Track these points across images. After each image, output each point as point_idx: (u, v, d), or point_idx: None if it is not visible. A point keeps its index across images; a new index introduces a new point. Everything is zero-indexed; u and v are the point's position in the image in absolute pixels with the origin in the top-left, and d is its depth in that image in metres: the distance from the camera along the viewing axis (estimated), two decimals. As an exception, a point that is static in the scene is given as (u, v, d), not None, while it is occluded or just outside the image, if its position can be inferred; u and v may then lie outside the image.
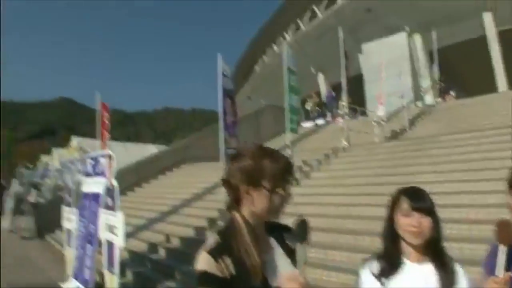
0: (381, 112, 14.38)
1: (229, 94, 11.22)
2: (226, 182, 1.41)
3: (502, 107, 11.88)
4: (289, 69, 12.93)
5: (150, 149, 28.63)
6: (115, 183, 5.74)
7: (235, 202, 1.39)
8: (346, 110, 14.37)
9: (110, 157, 6.25)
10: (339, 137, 13.48)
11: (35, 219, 15.76)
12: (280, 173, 1.36)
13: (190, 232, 9.26)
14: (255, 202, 1.34)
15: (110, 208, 5.66)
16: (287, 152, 11.20)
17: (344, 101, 14.38)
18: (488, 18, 20.00)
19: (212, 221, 9.37)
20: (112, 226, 5.50)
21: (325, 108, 21.53)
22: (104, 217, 5.74)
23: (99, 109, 13.23)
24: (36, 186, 19.97)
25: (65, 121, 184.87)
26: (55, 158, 42.38)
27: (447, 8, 18.81)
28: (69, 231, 8.54)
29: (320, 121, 20.21)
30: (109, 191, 5.82)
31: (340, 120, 15.62)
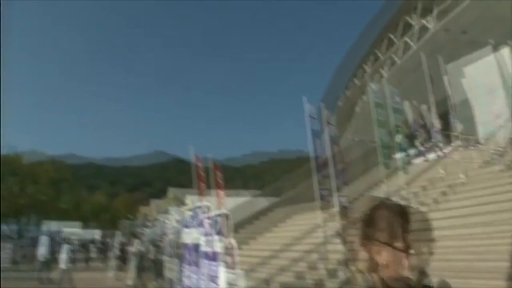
0: (498, 137, 13.05)
1: (333, 140, 10.98)
2: (360, 243, 1.41)
3: None
4: (376, 103, 12.59)
5: (243, 196, 28.64)
6: (233, 242, 6.00)
7: (369, 262, 1.38)
8: (459, 141, 13.22)
9: (227, 216, 6.50)
10: (455, 171, 12.29)
11: (155, 275, 16.26)
12: (409, 231, 1.35)
13: (308, 284, 9.06)
14: (388, 262, 1.33)
15: (230, 266, 5.87)
16: (383, 189, 10.61)
17: (457, 131, 13.32)
18: None
19: (330, 273, 9.10)
20: (233, 284, 5.68)
21: (414, 138, 20.14)
22: (225, 275, 5.95)
23: (194, 162, 13.91)
24: (155, 244, 20.89)
25: (160, 173, 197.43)
26: (153, 209, 44.63)
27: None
28: (170, 280, 8.94)
29: (430, 155, 18.85)
30: (228, 249, 6.08)
31: (453, 151, 14.44)
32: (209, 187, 15.92)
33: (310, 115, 11.06)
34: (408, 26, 25.04)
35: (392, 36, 26.47)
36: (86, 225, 57.16)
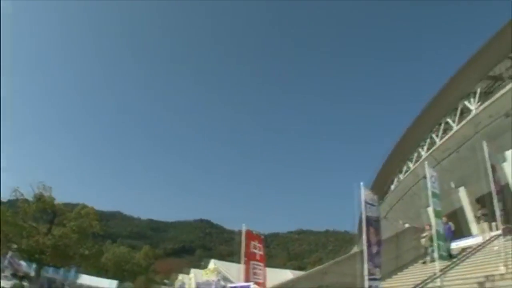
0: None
1: (373, 223, 10.77)
2: None
3: None
4: (434, 193, 12.26)
5: (285, 274, 27.94)
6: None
7: None
8: (499, 231, 12.67)
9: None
10: (496, 262, 11.73)
11: None
12: None
13: None
14: None
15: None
16: (436, 283, 10.09)
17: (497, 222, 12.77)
18: None
19: None
20: None
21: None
22: None
23: (244, 237, 13.81)
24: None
25: (202, 241, 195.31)
26: (192, 278, 44.30)
27: None
28: None
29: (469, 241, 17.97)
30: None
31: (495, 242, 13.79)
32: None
33: (367, 202, 10.82)
34: (467, 110, 23.53)
35: (449, 120, 25.47)
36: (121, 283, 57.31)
